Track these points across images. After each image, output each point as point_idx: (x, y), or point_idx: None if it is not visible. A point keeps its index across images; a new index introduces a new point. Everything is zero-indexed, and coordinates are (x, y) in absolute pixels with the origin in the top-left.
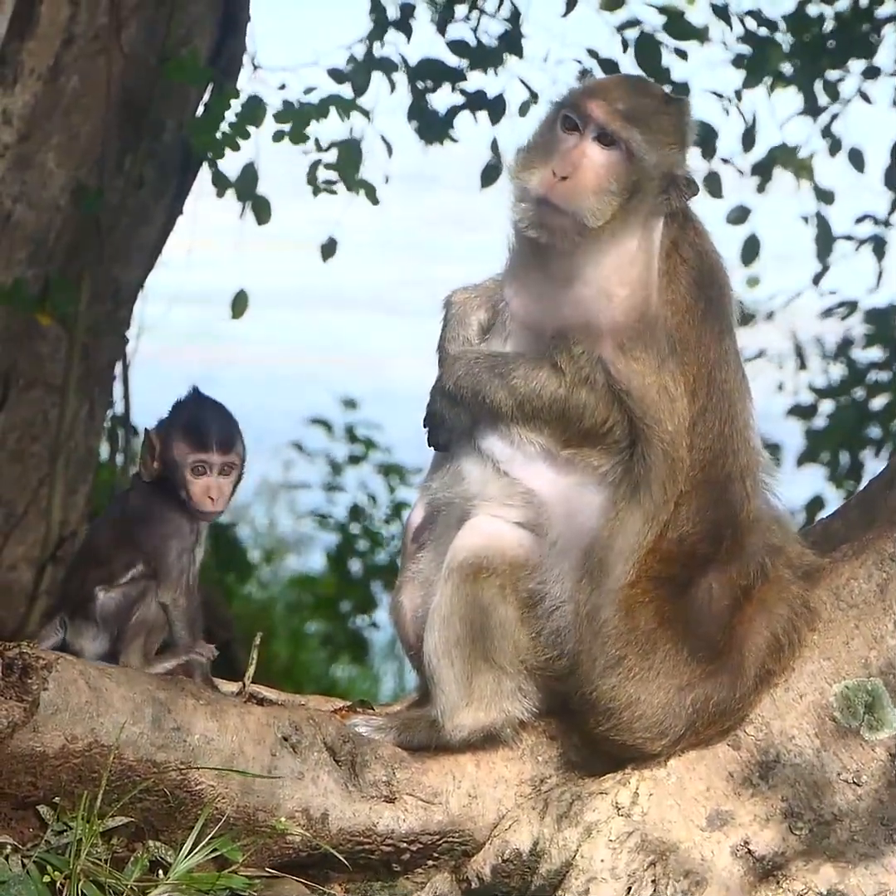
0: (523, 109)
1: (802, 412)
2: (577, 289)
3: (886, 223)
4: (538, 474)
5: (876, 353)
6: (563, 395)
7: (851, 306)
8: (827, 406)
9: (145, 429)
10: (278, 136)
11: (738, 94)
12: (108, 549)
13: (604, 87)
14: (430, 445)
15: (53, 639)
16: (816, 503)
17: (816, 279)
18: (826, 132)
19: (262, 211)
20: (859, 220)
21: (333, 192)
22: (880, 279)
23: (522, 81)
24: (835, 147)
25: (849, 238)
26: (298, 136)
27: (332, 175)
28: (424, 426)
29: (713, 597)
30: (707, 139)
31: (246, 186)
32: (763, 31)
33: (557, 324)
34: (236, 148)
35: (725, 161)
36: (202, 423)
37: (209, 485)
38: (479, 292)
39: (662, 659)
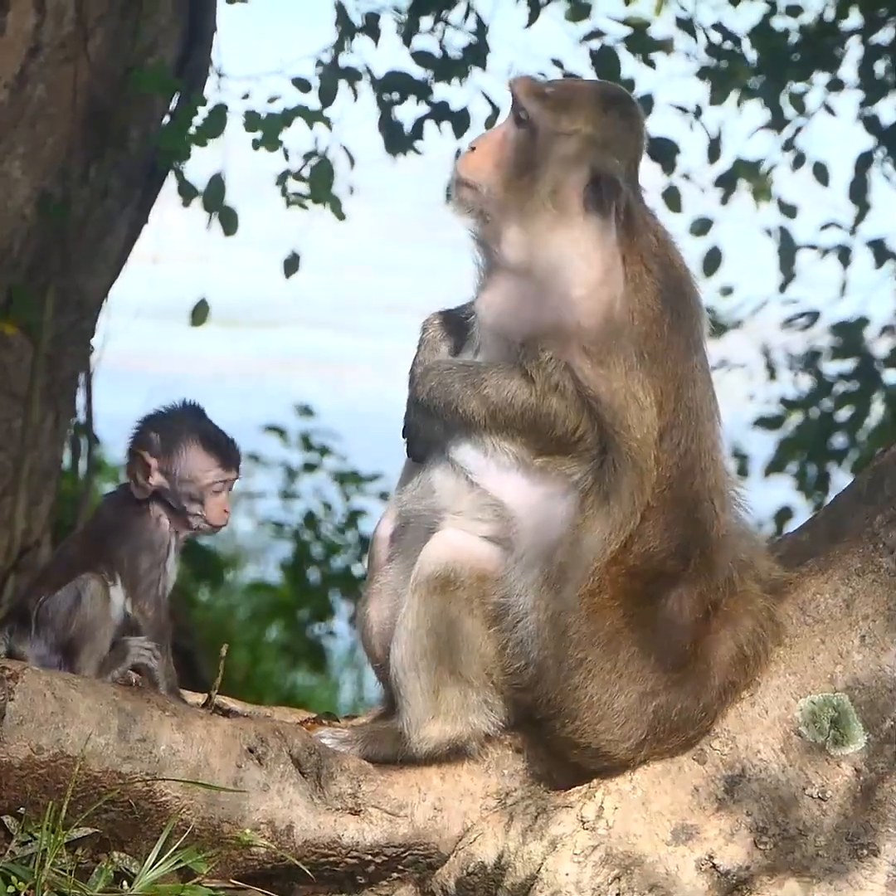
0: (489, 123)
1: (769, 423)
2: (537, 291)
3: (852, 231)
4: (510, 485)
5: (843, 365)
6: (535, 403)
7: (814, 316)
8: (795, 417)
9: (132, 448)
10: (255, 145)
11: (699, 109)
12: (75, 561)
13: (546, 78)
14: (409, 456)
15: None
16: (784, 513)
17: (783, 287)
18: (788, 146)
19: (229, 222)
20: (824, 228)
21: (304, 207)
22: (845, 288)
23: (484, 95)
24: (799, 161)
25: (813, 247)
26: (273, 144)
27: (301, 187)
28: (403, 437)
29: (681, 607)
30: (669, 154)
31: (213, 197)
32: (728, 44)
33: (525, 330)
34: (203, 144)
35: (686, 177)
36: (221, 441)
37: (223, 501)
38: (453, 317)
39: (626, 662)
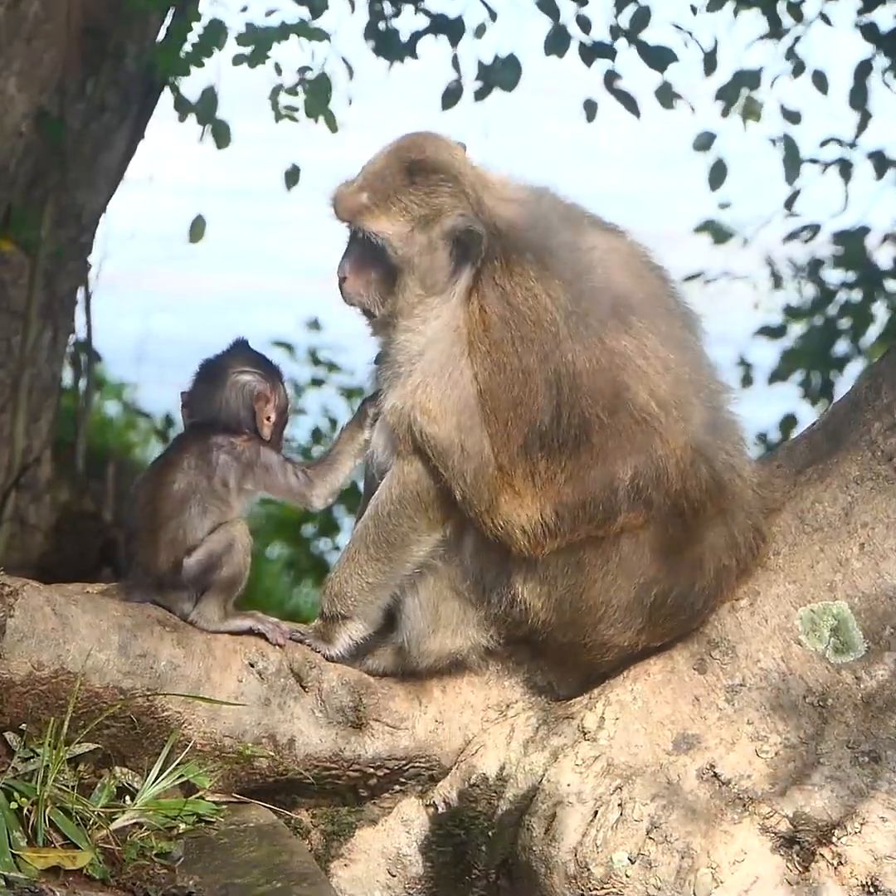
0: (480, 31)
1: (771, 332)
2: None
3: (852, 145)
4: None
5: (845, 274)
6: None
7: (815, 229)
8: (798, 327)
9: (247, 404)
10: (238, 60)
11: (694, 8)
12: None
13: (349, 182)
14: None
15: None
16: (790, 421)
17: (788, 204)
18: (789, 54)
19: (221, 135)
20: (824, 144)
21: (295, 120)
22: (847, 201)
23: (482, 1)
24: (799, 68)
25: (814, 161)
26: (257, 59)
27: (294, 101)
28: None
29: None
30: (666, 62)
31: (206, 110)
32: None
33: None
34: (201, 65)
35: (679, 96)
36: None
37: None
38: None
39: (618, 563)
